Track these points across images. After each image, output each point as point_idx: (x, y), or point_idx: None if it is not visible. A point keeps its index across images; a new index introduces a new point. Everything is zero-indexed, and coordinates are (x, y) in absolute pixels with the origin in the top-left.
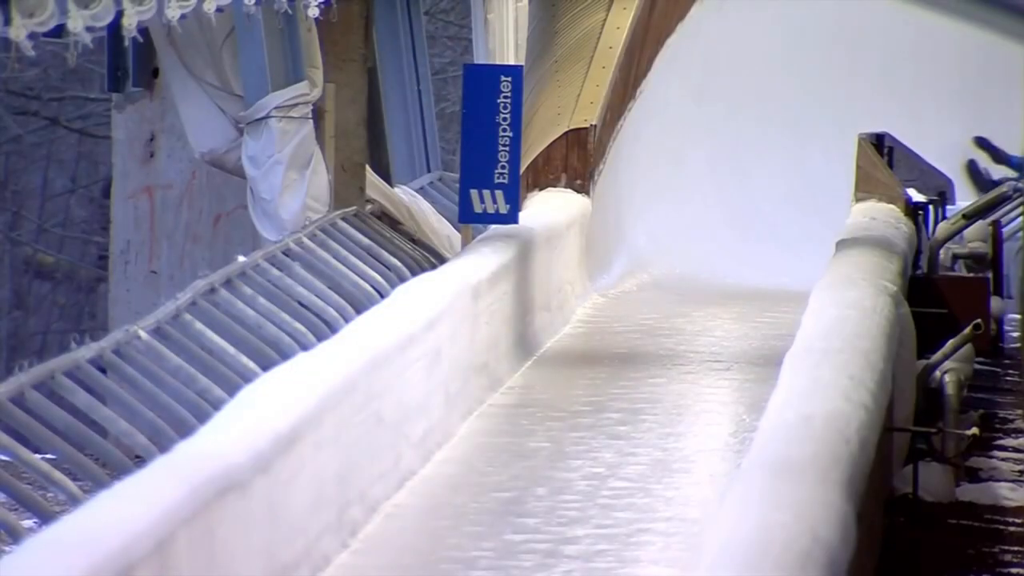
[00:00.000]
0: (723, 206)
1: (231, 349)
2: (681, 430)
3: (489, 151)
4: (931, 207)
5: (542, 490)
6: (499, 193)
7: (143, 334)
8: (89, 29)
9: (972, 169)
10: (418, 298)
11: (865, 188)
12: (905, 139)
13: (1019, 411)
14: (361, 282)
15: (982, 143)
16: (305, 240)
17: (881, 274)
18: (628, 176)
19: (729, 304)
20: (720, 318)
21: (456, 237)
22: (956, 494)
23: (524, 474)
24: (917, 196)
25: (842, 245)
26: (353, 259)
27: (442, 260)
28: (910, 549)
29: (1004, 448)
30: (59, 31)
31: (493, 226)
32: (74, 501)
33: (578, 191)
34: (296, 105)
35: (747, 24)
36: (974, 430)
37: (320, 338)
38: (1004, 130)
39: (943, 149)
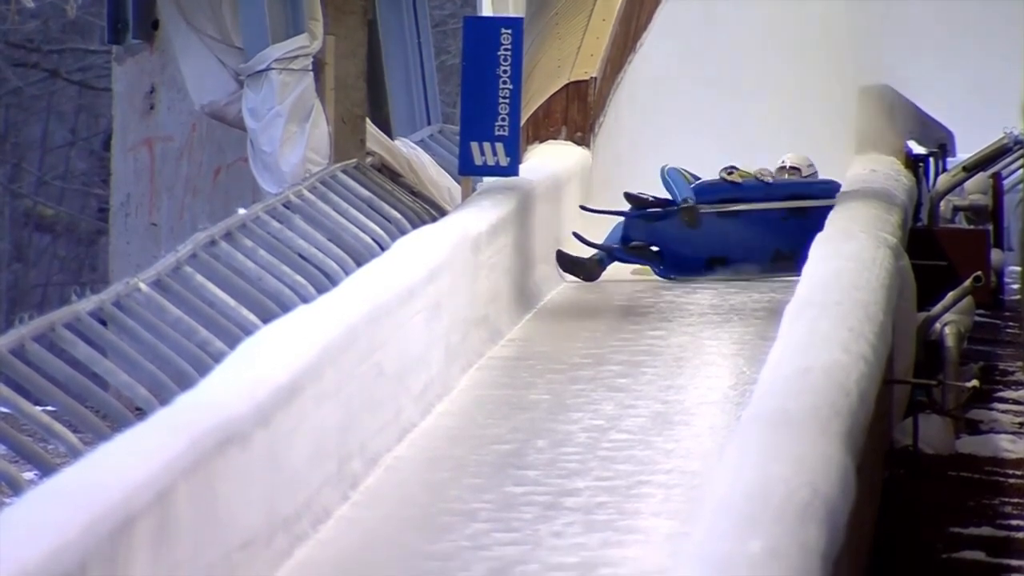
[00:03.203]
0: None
1: (231, 302)
2: (681, 383)
3: (489, 104)
4: (931, 159)
5: (542, 442)
6: (499, 145)
7: (143, 287)
8: None
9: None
10: (418, 251)
11: (865, 140)
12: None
13: (1019, 363)
14: (361, 234)
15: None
16: (305, 193)
17: (881, 226)
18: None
19: None
20: None
21: (456, 189)
22: (956, 446)
23: (524, 426)
24: (917, 148)
25: (842, 197)
26: (353, 211)
27: (442, 212)
28: (910, 501)
29: (1004, 400)
30: None
31: (493, 178)
32: (75, 453)
33: (578, 143)
34: (296, 57)
35: None
36: (974, 382)
37: (320, 291)
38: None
39: (943, 101)
